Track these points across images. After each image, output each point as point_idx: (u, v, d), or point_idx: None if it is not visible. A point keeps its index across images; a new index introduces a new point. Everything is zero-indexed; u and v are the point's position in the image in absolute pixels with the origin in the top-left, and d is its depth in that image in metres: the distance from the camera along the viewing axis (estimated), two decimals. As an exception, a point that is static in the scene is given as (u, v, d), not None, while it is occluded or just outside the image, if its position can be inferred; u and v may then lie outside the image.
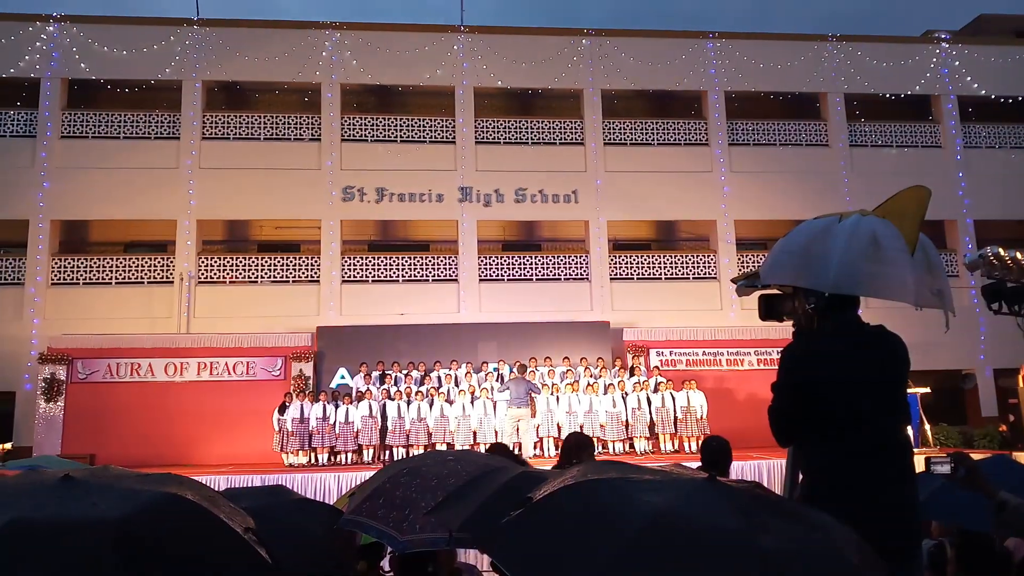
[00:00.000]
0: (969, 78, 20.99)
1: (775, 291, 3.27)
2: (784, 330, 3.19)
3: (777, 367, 3.00)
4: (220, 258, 18.57)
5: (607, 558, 1.86)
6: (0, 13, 19.29)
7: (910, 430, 3.34)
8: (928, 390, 15.02)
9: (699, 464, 4.80)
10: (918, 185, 2.96)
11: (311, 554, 3.66)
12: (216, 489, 2.92)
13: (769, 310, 3.26)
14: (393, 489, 3.41)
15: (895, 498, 2.79)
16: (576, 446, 4.85)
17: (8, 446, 14.67)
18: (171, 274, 18.05)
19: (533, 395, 14.94)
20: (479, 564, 6.68)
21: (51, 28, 18.64)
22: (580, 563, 1.90)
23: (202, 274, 18.21)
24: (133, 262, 18.24)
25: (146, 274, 18.12)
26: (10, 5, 20.15)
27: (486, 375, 15.98)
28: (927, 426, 15.23)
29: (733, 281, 3.66)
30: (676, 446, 15.45)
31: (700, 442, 10.80)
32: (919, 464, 2.98)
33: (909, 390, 3.17)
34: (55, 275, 17.89)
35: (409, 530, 3.08)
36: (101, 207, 18.19)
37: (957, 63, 21.08)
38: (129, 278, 18.06)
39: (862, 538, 2.08)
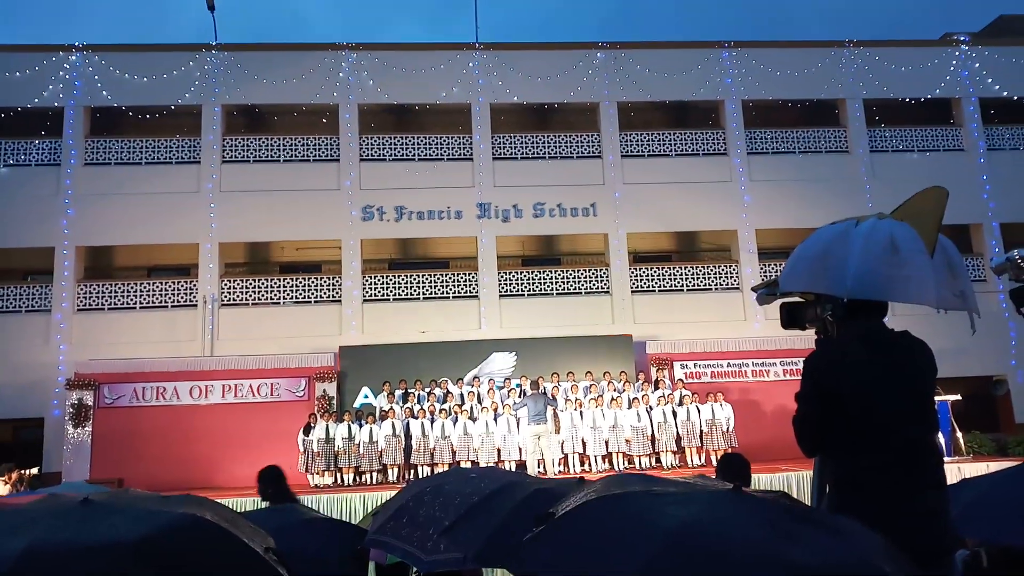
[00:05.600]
0: (990, 80, 20.76)
1: (797, 299, 3.22)
2: (810, 339, 3.14)
3: (801, 376, 2.94)
4: (242, 280, 18.71)
5: (632, 573, 1.82)
6: (25, 45, 19.73)
7: (941, 438, 3.27)
8: (959, 397, 14.75)
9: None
10: (935, 186, 2.91)
11: (329, 572, 3.63)
12: (239, 511, 2.91)
13: (791, 318, 3.22)
14: (417, 508, 3.39)
15: (925, 506, 2.72)
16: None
17: (35, 471, 14.77)
18: (194, 297, 18.20)
19: (556, 410, 14.85)
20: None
21: (73, 58, 18.97)
22: (603, 579, 1.86)
23: (225, 297, 18.36)
24: (157, 286, 18.43)
25: (170, 298, 18.29)
26: (34, 36, 20.55)
27: (509, 392, 15.91)
28: (959, 434, 14.95)
29: (754, 290, 3.61)
30: (703, 459, 15.28)
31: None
32: (954, 474, 2.92)
33: (939, 397, 3.10)
34: (80, 301, 18.11)
35: (433, 550, 3.05)
36: (124, 233, 18.42)
37: (977, 65, 20.87)
38: (153, 302, 18.24)
39: (893, 546, 2.03)
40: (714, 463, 14.56)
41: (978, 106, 20.66)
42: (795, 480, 12.47)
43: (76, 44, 19.10)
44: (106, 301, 18.18)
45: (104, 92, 18.87)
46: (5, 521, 2.27)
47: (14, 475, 13.42)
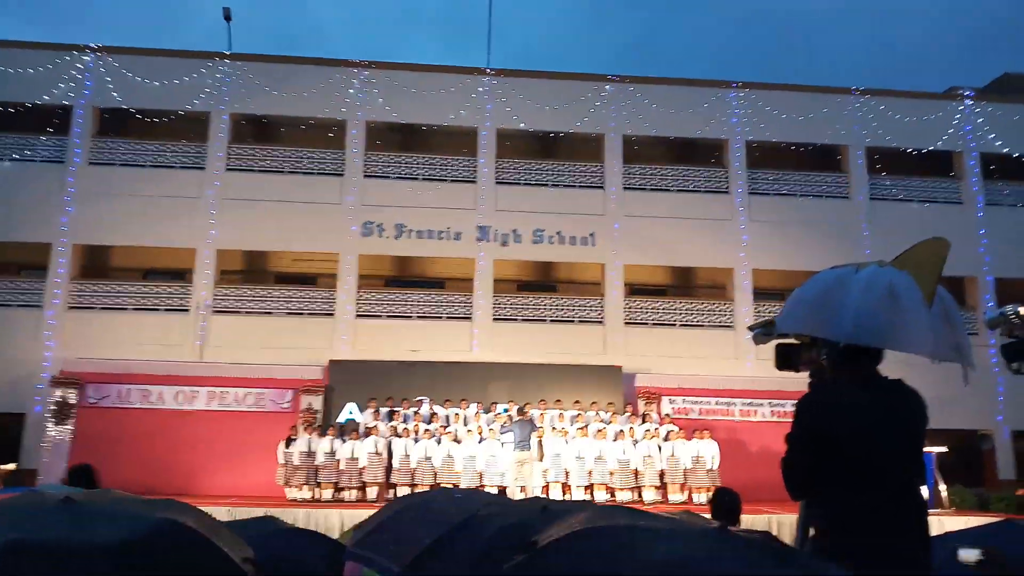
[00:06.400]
0: (992, 135, 20.98)
1: (792, 341, 3.22)
2: (800, 381, 3.14)
3: (792, 418, 2.94)
4: (237, 288, 18.68)
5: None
6: (38, 43, 19.81)
7: (925, 490, 3.27)
8: (945, 449, 14.75)
9: (709, 516, 4.70)
10: (937, 237, 2.93)
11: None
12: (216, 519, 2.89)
13: (785, 360, 3.22)
14: (398, 523, 3.38)
15: (909, 555, 2.71)
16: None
17: (12, 467, 14.67)
18: (188, 302, 18.15)
19: (540, 438, 14.77)
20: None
21: (86, 58, 19.06)
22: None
23: (218, 303, 18.31)
24: (151, 289, 18.38)
25: (163, 301, 18.24)
26: (48, 35, 20.70)
27: (495, 416, 15.85)
28: (942, 486, 14.92)
29: (750, 328, 3.62)
30: (685, 496, 15.20)
31: (710, 494, 10.61)
32: (936, 527, 2.91)
33: (925, 449, 3.10)
34: (73, 299, 18.03)
35: (414, 566, 3.03)
36: (123, 233, 18.40)
37: (980, 120, 21.10)
38: (146, 305, 18.18)
39: None
40: (696, 501, 14.52)
41: (979, 160, 20.86)
42: (776, 523, 12.41)
43: (90, 44, 19.20)
44: (99, 301, 18.11)
45: (114, 93, 18.94)
46: (-16, 515, 2.25)
47: (-8, 469, 13.31)
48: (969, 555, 2.63)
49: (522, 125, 19.95)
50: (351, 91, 19.57)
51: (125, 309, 18.09)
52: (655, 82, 20.80)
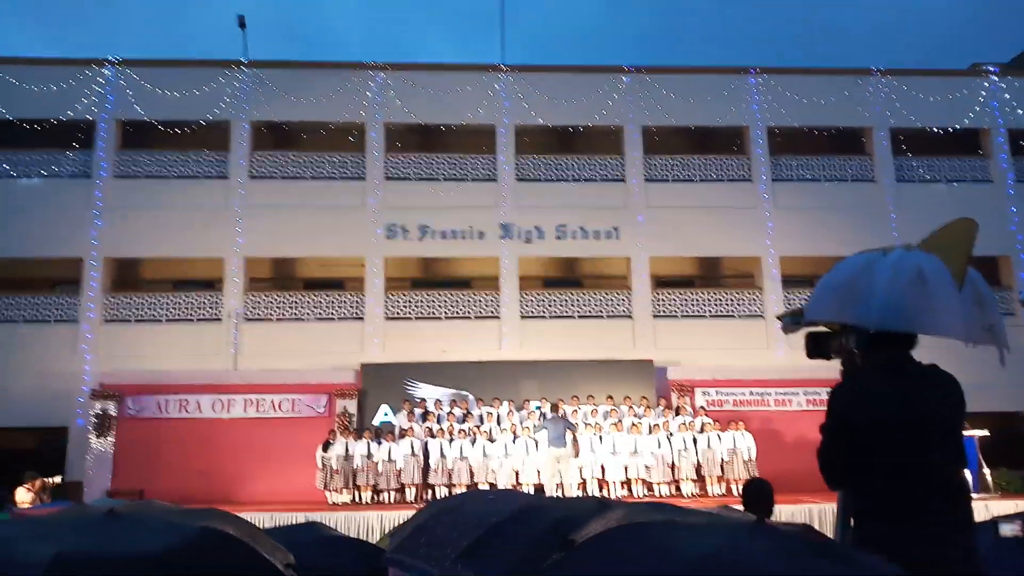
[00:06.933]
0: (1020, 111, 20.59)
1: (822, 328, 3.20)
2: (834, 368, 3.12)
3: (826, 408, 2.92)
4: (267, 295, 18.87)
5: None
6: (59, 59, 20.15)
7: (968, 474, 3.23)
8: (987, 433, 14.50)
9: (742, 506, 4.67)
10: (965, 217, 2.89)
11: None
12: (257, 526, 2.93)
13: (816, 348, 3.20)
14: (435, 527, 3.40)
15: (955, 543, 2.68)
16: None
17: (58, 479, 14.93)
18: (219, 311, 18.37)
19: (575, 434, 14.77)
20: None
21: (107, 72, 19.33)
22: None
23: (249, 311, 18.51)
24: (183, 300, 18.63)
25: (195, 312, 18.47)
26: (68, 50, 21.00)
27: (528, 413, 15.87)
28: (986, 470, 14.68)
29: (779, 318, 3.59)
30: (724, 489, 15.12)
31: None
32: (981, 512, 2.87)
33: (966, 433, 3.06)
34: (107, 313, 18.33)
35: (450, 570, 3.05)
36: (152, 245, 18.66)
37: (1007, 96, 20.72)
38: (179, 315, 18.43)
39: None
40: (735, 493, 14.43)
41: (1007, 137, 20.48)
42: (817, 512, 12.30)
43: (109, 58, 19.47)
44: (132, 313, 18.39)
45: (136, 106, 19.19)
46: (33, 530, 2.30)
47: (37, 483, 13.56)
48: (1009, 528, 2.60)
49: (540, 120, 19.91)
50: (368, 94, 19.67)
51: (159, 320, 18.35)
52: (673, 71, 20.66)
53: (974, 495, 2.88)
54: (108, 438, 16.28)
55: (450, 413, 15.93)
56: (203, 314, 18.45)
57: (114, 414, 16.46)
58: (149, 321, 18.34)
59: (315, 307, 18.74)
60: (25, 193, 18.74)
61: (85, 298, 18.17)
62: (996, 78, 20.89)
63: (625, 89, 20.13)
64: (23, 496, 12.82)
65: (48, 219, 18.33)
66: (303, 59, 21.29)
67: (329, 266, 19.95)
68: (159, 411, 16.64)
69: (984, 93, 20.71)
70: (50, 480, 13.88)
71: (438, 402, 16.34)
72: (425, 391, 17.06)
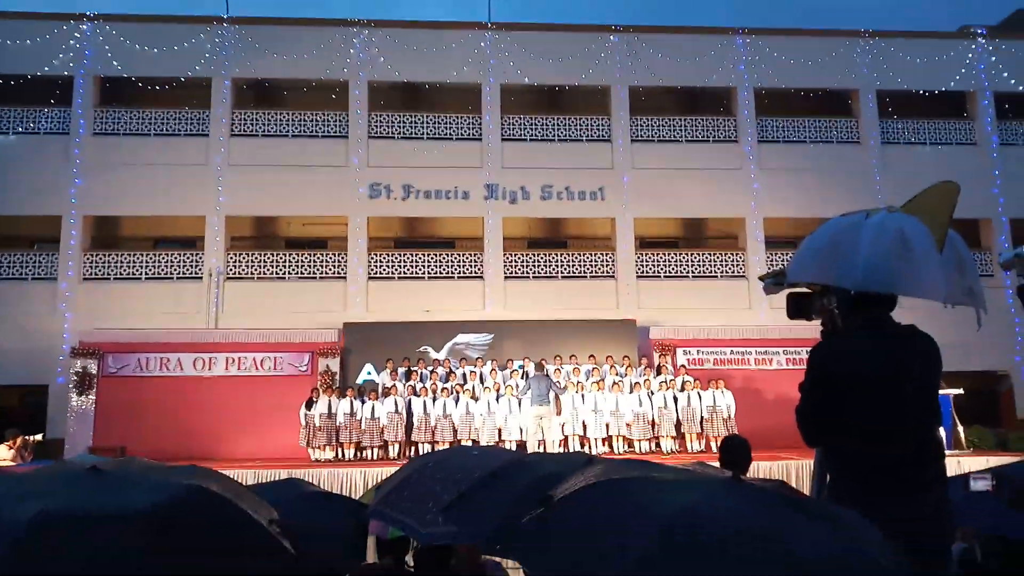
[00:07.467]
0: (1006, 74, 20.60)
1: (804, 289, 3.22)
2: (814, 328, 3.15)
3: (806, 366, 2.96)
4: (248, 254, 18.75)
5: (628, 559, 1.84)
6: (35, 13, 19.64)
7: (942, 432, 3.29)
8: (961, 391, 14.75)
9: (719, 463, 4.72)
10: (946, 180, 2.90)
11: (331, 545, 3.68)
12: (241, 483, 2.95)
13: (797, 309, 3.23)
14: (419, 482, 3.44)
15: (928, 500, 2.74)
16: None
17: (39, 437, 14.93)
18: (200, 270, 18.25)
19: (558, 393, 14.91)
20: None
21: (84, 27, 18.91)
22: (601, 563, 1.88)
23: (231, 270, 18.40)
24: (163, 258, 18.49)
25: (176, 270, 18.34)
26: (45, 4, 20.50)
27: (511, 372, 15.97)
28: (960, 428, 14.96)
29: (760, 279, 3.62)
30: (703, 446, 15.34)
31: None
32: (954, 467, 2.93)
33: (941, 391, 3.11)
34: (87, 270, 18.16)
35: (432, 522, 3.08)
36: (132, 203, 18.43)
37: (993, 59, 20.70)
38: (159, 274, 18.29)
39: (894, 539, 2.04)
40: (714, 449, 14.63)
41: (992, 100, 20.51)
42: (795, 468, 12.50)
43: (87, 13, 19.02)
44: (112, 271, 18.23)
45: (114, 62, 18.82)
46: (14, 488, 2.30)
47: (18, 440, 13.57)
48: (980, 483, 2.67)
49: (526, 80, 19.72)
50: (352, 51, 19.37)
51: (138, 279, 18.21)
52: (660, 31, 20.47)
53: (947, 452, 2.94)
54: (89, 396, 16.23)
55: (433, 372, 15.99)
56: (184, 272, 18.32)
57: (94, 372, 16.39)
58: (129, 279, 18.19)
59: (297, 266, 18.66)
60: (3, 150, 18.41)
61: (64, 256, 17.98)
62: (983, 41, 20.84)
63: (612, 48, 19.93)
64: (3, 453, 12.82)
65: (26, 176, 18.04)
66: (286, 15, 20.88)
67: (311, 225, 19.82)
68: (140, 369, 16.59)
69: (971, 56, 20.68)
70: (31, 438, 13.89)
71: (421, 361, 16.39)
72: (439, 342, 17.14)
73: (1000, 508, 3.37)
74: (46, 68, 18.60)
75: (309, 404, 15.01)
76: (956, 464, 11.31)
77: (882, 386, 2.78)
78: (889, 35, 20.78)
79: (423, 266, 18.85)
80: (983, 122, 20.42)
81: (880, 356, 2.82)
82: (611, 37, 20.01)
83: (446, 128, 19.49)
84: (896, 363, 2.81)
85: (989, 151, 20.26)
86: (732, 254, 19.56)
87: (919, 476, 2.76)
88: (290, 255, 18.88)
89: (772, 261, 19.09)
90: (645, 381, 15.58)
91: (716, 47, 20.15)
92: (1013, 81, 20.55)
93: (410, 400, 15.00)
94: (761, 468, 11.90)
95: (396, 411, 14.78)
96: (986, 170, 20.00)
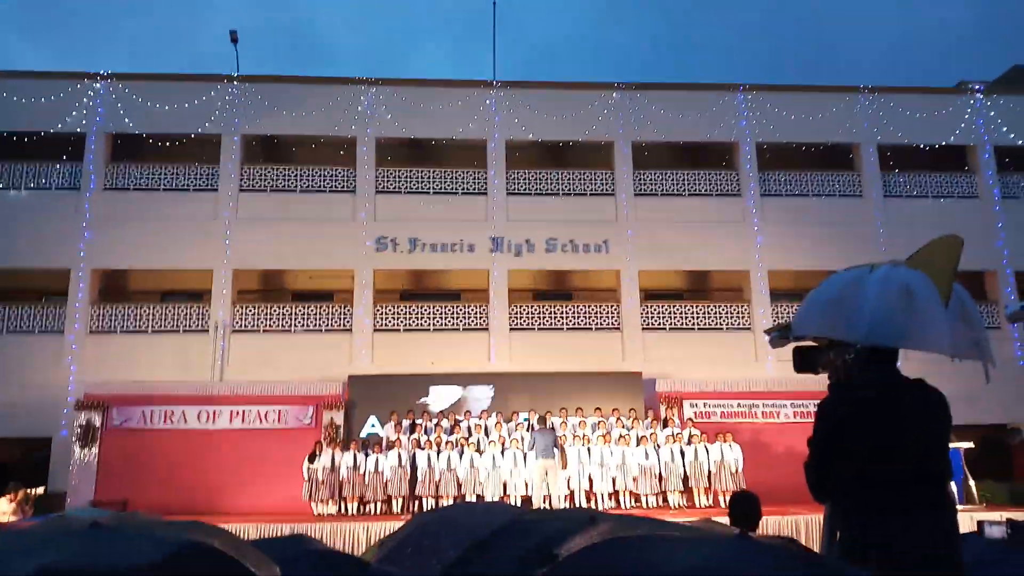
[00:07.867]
0: (1005, 128, 20.82)
1: (810, 343, 3.22)
2: (822, 381, 3.14)
3: (814, 420, 2.94)
4: (255, 307, 18.80)
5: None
6: (50, 72, 20.12)
7: (954, 486, 3.25)
8: (972, 445, 14.58)
9: (729, 519, 4.66)
10: (951, 234, 2.92)
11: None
12: (243, 538, 2.91)
13: (804, 362, 3.22)
14: (421, 538, 3.39)
15: (940, 558, 2.69)
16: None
17: (40, 491, 14.81)
18: (207, 323, 18.28)
19: (563, 446, 14.76)
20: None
21: (97, 85, 19.31)
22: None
23: (237, 323, 18.43)
24: (170, 311, 18.54)
25: (182, 322, 18.38)
26: (59, 63, 20.94)
27: (516, 425, 15.84)
28: (971, 482, 14.75)
29: (766, 332, 3.61)
30: (711, 500, 15.12)
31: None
32: (967, 523, 2.88)
33: (952, 445, 3.09)
34: (94, 323, 18.21)
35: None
36: (141, 256, 18.56)
37: (992, 113, 20.95)
38: (166, 326, 18.33)
39: (896, 560, 2.01)
40: (722, 504, 14.43)
41: (993, 154, 20.69)
42: (803, 524, 12.31)
43: (100, 72, 19.45)
44: (119, 324, 18.28)
45: (126, 119, 19.16)
46: (15, 543, 2.28)
47: (19, 494, 13.46)
48: (995, 530, 2.62)
49: (531, 135, 19.99)
50: (360, 108, 19.70)
51: (145, 331, 18.24)
52: (662, 88, 20.82)
53: (959, 507, 2.90)
54: (92, 449, 16.13)
55: (438, 425, 15.87)
56: (190, 325, 18.35)
57: (99, 425, 16.31)
58: (136, 332, 18.22)
59: (303, 319, 18.68)
60: (14, 205, 18.64)
61: (72, 309, 18.05)
62: (981, 96, 21.12)
63: (615, 105, 20.24)
64: (4, 507, 12.70)
65: (37, 231, 18.24)
66: (299, 72, 21.36)
67: (318, 278, 19.91)
68: (144, 422, 16.50)
69: (970, 110, 20.93)
70: (32, 491, 13.78)
71: (426, 413, 16.28)
72: (437, 396, 17.03)
73: (1011, 565, 3.30)
74: (59, 125, 18.93)
75: (312, 457, 14.89)
76: (969, 519, 11.11)
77: (892, 441, 2.76)
78: (888, 90, 21.08)
79: (428, 318, 18.87)
80: (984, 175, 20.56)
81: (890, 409, 2.80)
82: (613, 94, 20.34)
83: (452, 183, 19.71)
84: (906, 417, 2.79)
85: (991, 204, 20.36)
86: (737, 306, 19.55)
87: (931, 531, 2.71)
88: (296, 308, 18.93)
89: (777, 313, 19.07)
90: (652, 434, 15.44)
91: (717, 103, 20.45)
92: (1012, 135, 20.77)
93: (414, 453, 14.87)
94: (769, 523, 11.72)
95: (400, 465, 14.64)
96: (990, 223, 20.08)
